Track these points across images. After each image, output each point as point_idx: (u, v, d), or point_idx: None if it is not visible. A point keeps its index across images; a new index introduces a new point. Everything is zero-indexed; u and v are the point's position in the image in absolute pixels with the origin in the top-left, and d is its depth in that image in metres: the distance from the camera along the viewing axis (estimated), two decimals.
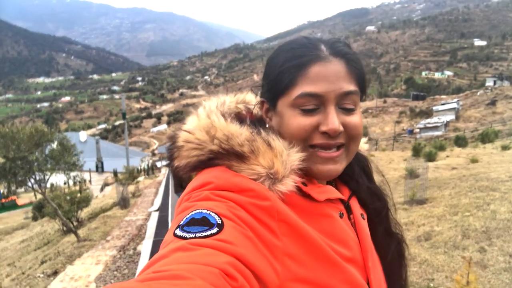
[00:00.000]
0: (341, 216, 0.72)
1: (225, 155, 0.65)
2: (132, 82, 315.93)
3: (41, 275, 5.90)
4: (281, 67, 0.69)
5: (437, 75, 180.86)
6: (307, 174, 0.69)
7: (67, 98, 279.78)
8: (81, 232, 9.37)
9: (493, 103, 51.93)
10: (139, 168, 37.35)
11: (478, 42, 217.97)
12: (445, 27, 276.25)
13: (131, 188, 17.47)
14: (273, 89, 0.71)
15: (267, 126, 0.74)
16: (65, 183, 20.32)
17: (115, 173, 33.44)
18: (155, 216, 10.04)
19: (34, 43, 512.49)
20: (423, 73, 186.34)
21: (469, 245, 4.47)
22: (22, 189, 11.33)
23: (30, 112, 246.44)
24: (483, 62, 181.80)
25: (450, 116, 49.04)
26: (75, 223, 10.86)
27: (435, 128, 42.06)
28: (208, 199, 0.58)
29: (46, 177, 8.00)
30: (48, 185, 10.93)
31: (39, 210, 20.79)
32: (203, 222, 0.52)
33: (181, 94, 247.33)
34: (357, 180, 0.82)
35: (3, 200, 34.15)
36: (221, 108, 0.77)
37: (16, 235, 18.57)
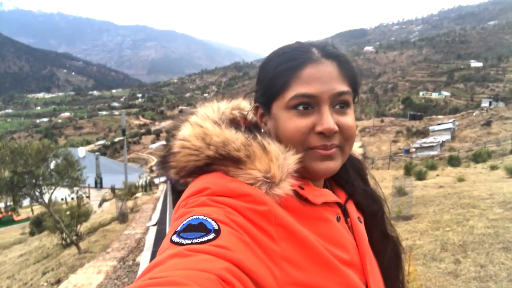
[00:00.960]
0: (338, 219, 0.72)
1: (221, 161, 0.65)
2: (132, 98, 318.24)
3: (45, 284, 6.20)
4: (274, 71, 0.70)
5: (434, 95, 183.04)
6: (304, 176, 0.69)
7: (67, 114, 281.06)
8: (82, 245, 9.65)
9: (488, 123, 52.68)
10: (137, 184, 37.60)
11: (474, 64, 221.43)
12: (442, 48, 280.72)
13: (130, 203, 17.76)
14: (267, 93, 0.71)
15: (262, 131, 0.75)
16: (62, 199, 20.58)
17: (112, 189, 33.69)
18: (153, 230, 10.34)
19: (35, 59, 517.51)
20: (421, 93, 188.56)
21: (446, 257, 4.82)
22: (27, 202, 11.64)
23: (29, 127, 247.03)
24: (479, 83, 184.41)
25: (446, 136, 49.65)
26: (74, 237, 11.15)
27: (431, 147, 42.58)
28: (205, 205, 0.58)
29: (50, 191, 8.35)
30: (46, 200, 11.27)
31: (37, 226, 20.91)
32: (200, 228, 0.52)
33: (181, 111, 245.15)
34: (352, 183, 0.82)
35: (0, 215, 34.25)
36: (215, 115, 0.76)
37: (14, 249, 18.70)
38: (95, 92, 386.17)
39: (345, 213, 0.76)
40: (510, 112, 60.78)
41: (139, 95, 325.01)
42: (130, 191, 25.50)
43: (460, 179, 9.90)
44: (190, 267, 0.45)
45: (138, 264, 6.76)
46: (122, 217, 12.67)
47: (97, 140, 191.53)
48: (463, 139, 50.32)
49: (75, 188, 9.20)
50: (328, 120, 0.66)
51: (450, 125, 53.34)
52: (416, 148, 44.36)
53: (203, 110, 0.78)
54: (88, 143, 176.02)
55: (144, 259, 7.07)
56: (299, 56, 0.68)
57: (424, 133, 58.45)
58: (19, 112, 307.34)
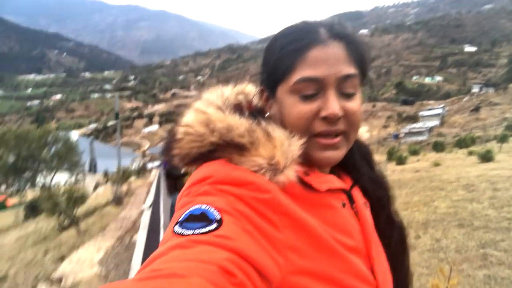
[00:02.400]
0: (343, 205, 0.71)
1: (225, 147, 0.64)
2: (124, 81, 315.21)
3: (49, 262, 6.79)
4: (279, 53, 0.68)
5: (427, 80, 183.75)
6: (308, 163, 0.69)
7: (58, 96, 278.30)
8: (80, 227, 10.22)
9: (477, 109, 53.63)
10: (130, 169, 38.07)
11: (468, 48, 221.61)
12: (437, 32, 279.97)
13: (124, 187, 18.32)
14: (272, 76, 0.70)
15: (267, 114, 0.74)
16: (57, 184, 21.10)
17: (105, 173, 34.16)
18: (147, 213, 10.95)
19: (25, 39, 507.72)
20: (414, 78, 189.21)
21: (408, 234, 5.47)
22: (27, 187, 12.13)
23: (20, 110, 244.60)
24: (472, 68, 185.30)
25: (435, 122, 50.55)
26: (72, 220, 11.68)
27: (419, 133, 43.43)
28: (208, 194, 0.58)
29: (51, 175, 8.87)
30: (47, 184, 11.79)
31: (31, 210, 21.38)
32: (202, 218, 0.52)
33: (174, 94, 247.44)
34: (358, 168, 0.81)
35: None
36: (219, 100, 0.74)
37: (10, 233, 19.19)
38: (87, 74, 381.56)
39: (351, 199, 0.75)
40: (499, 98, 61.79)
41: (132, 77, 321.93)
42: (124, 175, 26.11)
43: (436, 164, 10.56)
44: (192, 258, 0.45)
45: (135, 242, 7.37)
46: (118, 200, 13.24)
47: (89, 123, 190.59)
48: (452, 124, 51.30)
49: (66, 173, 9.71)
50: (333, 104, 0.65)
51: (439, 111, 54.25)
52: (405, 134, 45.24)
53: (207, 95, 0.77)
54: (80, 126, 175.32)
55: (140, 238, 7.68)
56: (305, 37, 0.66)
57: (415, 119, 59.38)
58: (10, 94, 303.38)
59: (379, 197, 0.81)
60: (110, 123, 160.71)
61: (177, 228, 0.52)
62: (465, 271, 3.83)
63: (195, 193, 0.59)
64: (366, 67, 0.71)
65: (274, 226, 0.57)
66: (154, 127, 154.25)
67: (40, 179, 8.43)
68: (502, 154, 11.50)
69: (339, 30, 0.68)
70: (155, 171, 35.16)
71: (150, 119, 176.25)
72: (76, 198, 11.25)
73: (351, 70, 0.66)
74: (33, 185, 8.62)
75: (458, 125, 49.89)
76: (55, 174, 9.00)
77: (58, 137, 8.33)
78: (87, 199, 12.78)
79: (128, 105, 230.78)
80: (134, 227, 8.98)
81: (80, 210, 13.88)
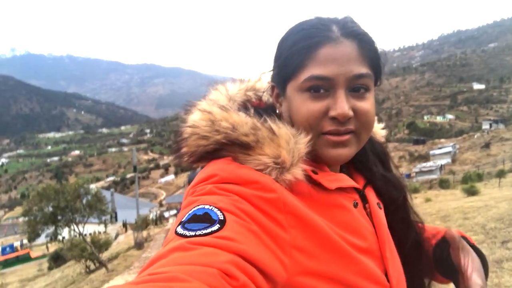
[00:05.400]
0: (355, 205, 0.69)
1: (230, 146, 0.63)
2: (140, 134, 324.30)
3: None
4: (289, 50, 0.67)
5: (439, 118, 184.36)
6: (317, 161, 0.68)
7: (77, 152, 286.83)
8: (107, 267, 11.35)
9: (487, 145, 53.95)
10: (149, 218, 39.31)
11: (477, 86, 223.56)
12: (444, 72, 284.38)
13: (144, 233, 19.48)
14: (282, 73, 0.69)
15: (277, 112, 0.73)
16: (80, 234, 22.47)
17: (124, 224, 35.51)
18: None
19: (46, 100, 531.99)
20: (425, 117, 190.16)
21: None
22: (43, 239, 13.38)
23: (40, 166, 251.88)
24: (483, 105, 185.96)
25: (447, 159, 50.92)
26: (97, 264, 12.83)
27: (430, 171, 43.84)
28: (212, 193, 0.57)
29: (83, 224, 10.21)
30: (66, 236, 13.15)
31: (55, 260, 22.51)
32: (204, 218, 0.51)
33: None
34: (371, 167, 0.79)
35: (17, 254, 35.85)
36: (224, 99, 0.74)
37: (38, 281, 20.22)
38: (104, 130, 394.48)
39: (364, 199, 0.73)
40: (510, 133, 62.15)
41: (147, 131, 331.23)
42: (144, 222, 27.56)
43: (427, 200, 11.52)
44: (192, 261, 0.44)
45: None
46: (139, 245, 14.38)
47: (107, 176, 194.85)
48: (463, 162, 51.52)
49: (103, 218, 11.00)
50: (343, 104, 0.63)
51: (449, 149, 54.74)
52: (416, 173, 45.64)
53: (214, 94, 0.76)
54: (98, 180, 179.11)
55: None
56: (317, 34, 0.65)
57: (426, 158, 59.75)
58: (30, 152, 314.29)
59: (393, 198, 0.79)
60: (128, 175, 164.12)
61: (179, 229, 0.51)
62: None
63: (200, 192, 0.59)
64: (380, 67, 0.69)
65: (280, 226, 0.56)
66: (170, 177, 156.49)
67: (73, 227, 9.76)
68: (487, 189, 12.41)
69: (352, 29, 0.66)
70: (172, 220, 36.25)
71: (166, 169, 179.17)
72: (101, 244, 12.52)
73: (362, 69, 0.65)
74: (69, 227, 9.90)
75: (470, 162, 50.07)
76: (86, 221, 10.35)
77: (89, 190, 9.80)
78: (111, 244, 13.97)
79: (145, 157, 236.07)
80: None
81: (105, 255, 15.04)
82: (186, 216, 0.53)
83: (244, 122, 0.64)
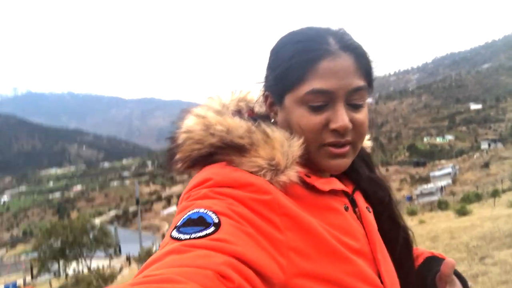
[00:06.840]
0: (346, 209, 0.71)
1: (224, 150, 0.64)
2: (142, 166, 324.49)
3: None
4: (289, 61, 0.67)
5: (439, 139, 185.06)
6: (309, 165, 0.69)
7: (79, 187, 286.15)
8: None
9: (486, 165, 54.25)
10: (152, 250, 39.32)
11: (474, 106, 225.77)
12: (441, 94, 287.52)
13: None
14: (281, 84, 0.70)
15: (272, 121, 0.74)
16: (89, 269, 22.62)
17: (127, 258, 35.55)
18: None
19: (47, 136, 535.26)
20: (425, 139, 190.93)
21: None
22: (47, 276, 13.65)
23: (42, 203, 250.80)
24: (481, 125, 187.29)
25: (447, 181, 51.13)
26: None
27: (431, 193, 44.01)
28: (207, 197, 0.58)
29: (89, 257, 10.57)
30: (71, 272, 13.48)
31: None
32: (199, 222, 0.51)
33: (190, 175, 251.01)
34: (357, 170, 0.81)
35: None
36: (218, 105, 0.75)
37: None
38: (106, 164, 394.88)
39: (353, 203, 0.75)
40: (508, 152, 62.52)
41: (149, 163, 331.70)
42: (148, 255, 27.73)
43: (421, 222, 11.89)
44: (187, 263, 0.44)
45: None
46: None
47: (109, 210, 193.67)
48: (464, 182, 51.67)
49: (108, 252, 11.34)
50: (343, 117, 0.65)
51: (449, 170, 55.02)
52: (417, 195, 45.79)
53: (208, 102, 0.77)
54: (100, 214, 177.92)
55: None
56: (316, 47, 0.66)
57: (427, 179, 59.86)
58: (33, 189, 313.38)
59: (380, 198, 0.81)
60: (130, 208, 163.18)
61: (174, 233, 0.51)
62: None
63: (194, 197, 0.59)
64: (372, 78, 0.71)
65: (275, 227, 0.57)
66: (173, 208, 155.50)
67: (81, 261, 10.11)
68: (482, 209, 12.81)
69: (349, 42, 0.68)
70: None
71: (168, 201, 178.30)
72: (107, 277, 12.77)
73: (360, 82, 0.67)
74: (77, 261, 10.27)
75: (470, 182, 50.24)
76: (93, 254, 10.73)
77: (95, 225, 10.21)
78: (116, 279, 14.15)
79: (147, 189, 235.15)
80: None
81: None
82: (181, 220, 0.53)
83: (239, 125, 0.65)
